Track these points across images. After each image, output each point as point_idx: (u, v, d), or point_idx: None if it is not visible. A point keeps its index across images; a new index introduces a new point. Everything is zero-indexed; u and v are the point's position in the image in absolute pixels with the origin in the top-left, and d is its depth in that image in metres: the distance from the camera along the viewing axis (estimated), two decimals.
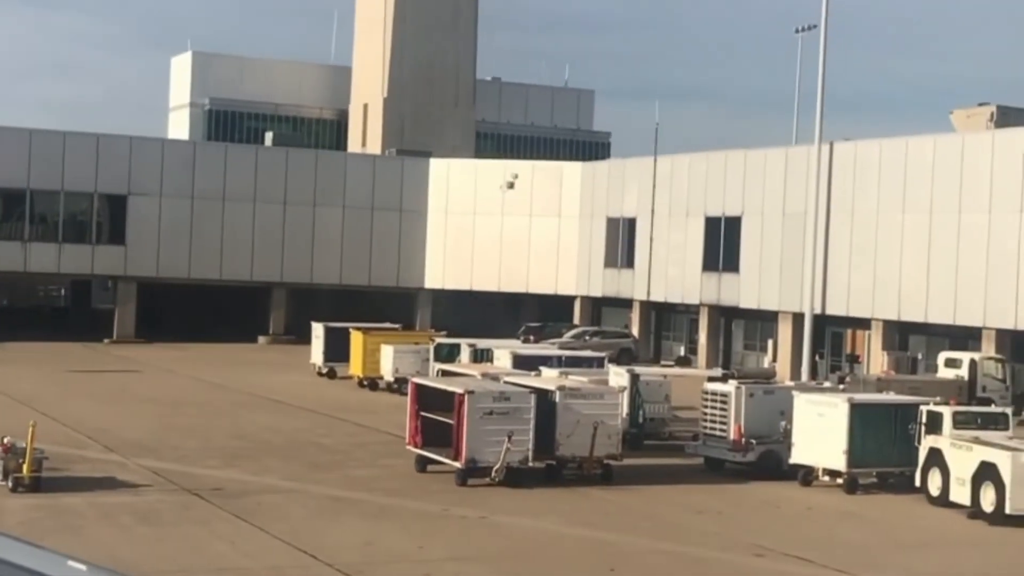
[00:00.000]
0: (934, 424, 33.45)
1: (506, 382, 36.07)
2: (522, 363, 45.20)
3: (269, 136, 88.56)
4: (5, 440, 30.30)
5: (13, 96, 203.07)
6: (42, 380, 54.32)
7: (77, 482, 31.14)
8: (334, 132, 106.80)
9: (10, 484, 29.65)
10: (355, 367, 56.74)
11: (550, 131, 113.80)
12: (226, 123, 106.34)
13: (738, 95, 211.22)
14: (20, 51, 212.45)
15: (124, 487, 31.09)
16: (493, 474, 32.60)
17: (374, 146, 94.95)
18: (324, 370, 59.91)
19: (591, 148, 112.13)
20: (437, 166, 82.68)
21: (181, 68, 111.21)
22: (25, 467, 29.81)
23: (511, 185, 79.47)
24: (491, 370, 41.22)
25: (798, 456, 34.96)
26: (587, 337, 69.84)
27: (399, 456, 35.90)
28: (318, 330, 60.82)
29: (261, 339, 77.93)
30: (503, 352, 48.51)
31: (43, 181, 74.42)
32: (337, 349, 58.45)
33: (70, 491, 30.13)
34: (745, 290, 67.42)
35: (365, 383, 55.89)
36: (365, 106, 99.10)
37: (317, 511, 29.32)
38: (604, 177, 78.57)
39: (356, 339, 56.90)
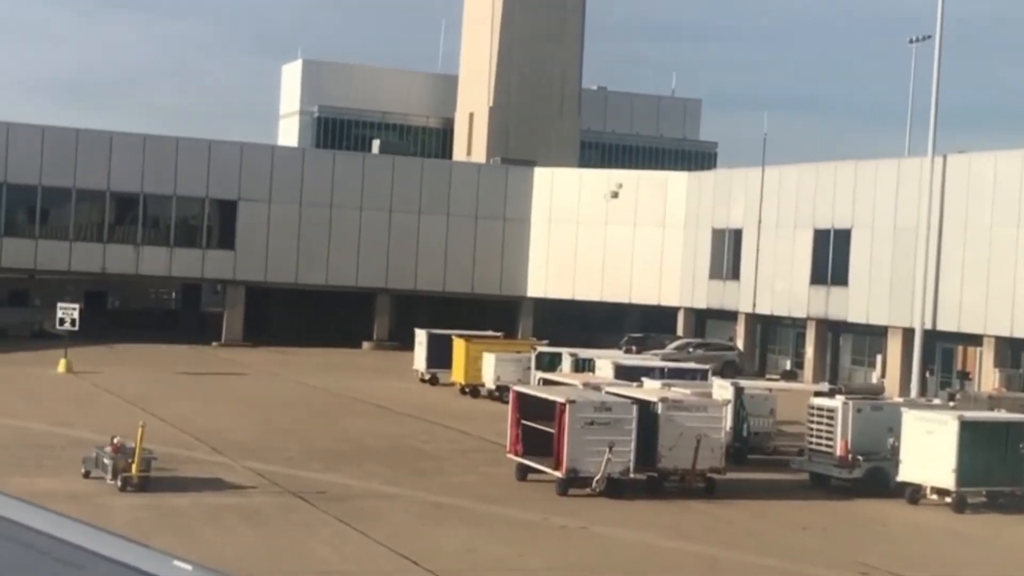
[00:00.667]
0: None
1: (608, 392, 35.93)
2: (624, 374, 45.02)
3: (376, 144, 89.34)
4: (115, 440, 30.82)
5: (128, 102, 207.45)
6: (152, 381, 55.25)
7: (184, 483, 31.58)
8: (440, 140, 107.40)
9: (119, 483, 30.14)
10: (457, 374, 56.97)
11: (655, 140, 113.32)
12: (334, 130, 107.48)
13: (848, 106, 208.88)
14: (135, 58, 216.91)
15: (230, 488, 31.46)
16: (594, 484, 32.47)
17: (479, 154, 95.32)
18: (427, 376, 60.21)
19: (697, 158, 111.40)
20: (541, 175, 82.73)
21: (291, 76, 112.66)
22: (134, 467, 30.30)
23: (615, 195, 79.24)
24: (592, 380, 41.10)
25: (906, 474, 34.35)
26: (691, 349, 69.37)
27: (500, 464, 35.91)
28: (421, 337, 61.15)
29: (365, 344, 78.58)
30: (605, 362, 48.36)
31: (156, 185, 75.81)
32: (440, 356, 58.71)
33: (177, 491, 30.56)
34: (854, 304, 66.47)
35: (467, 390, 56.07)
36: (471, 114, 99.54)
37: (419, 516, 29.42)
38: (710, 187, 78.00)
39: (459, 346, 57.13)
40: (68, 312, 57.56)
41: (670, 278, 78.52)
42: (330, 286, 79.13)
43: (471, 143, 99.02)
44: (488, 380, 54.48)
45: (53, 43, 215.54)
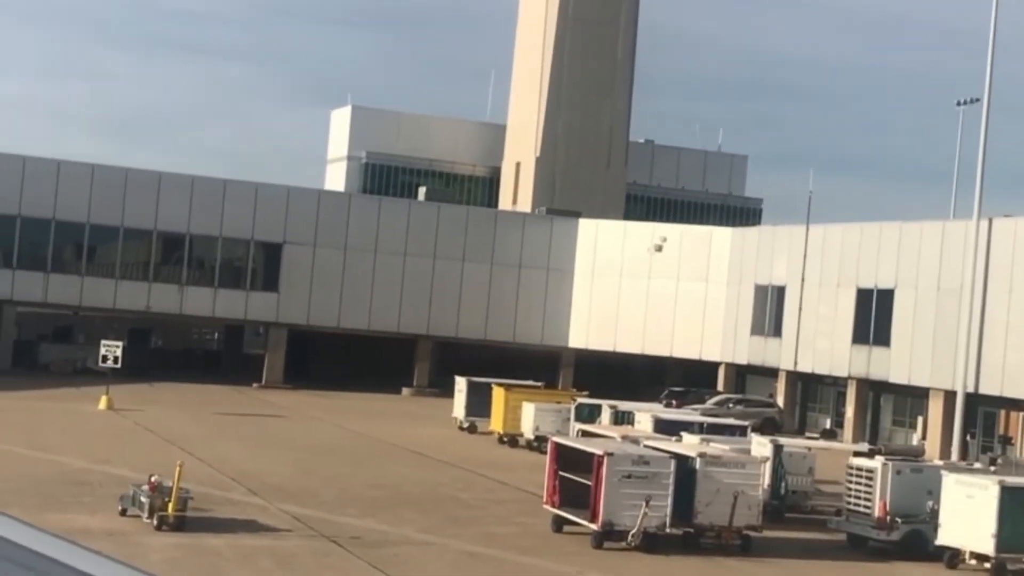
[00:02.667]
0: None
1: (646, 446, 35.81)
2: (663, 427, 44.88)
3: (422, 191, 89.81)
4: (152, 478, 30.95)
5: (178, 143, 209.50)
6: (191, 421, 55.50)
7: (220, 523, 31.65)
8: (486, 189, 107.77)
9: (155, 522, 30.26)
10: (496, 423, 56.89)
11: (701, 195, 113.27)
12: (381, 176, 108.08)
13: (894, 166, 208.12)
14: (186, 99, 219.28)
15: (265, 531, 31.51)
16: (630, 538, 32.31)
17: (525, 204, 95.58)
18: (465, 424, 60.18)
19: (742, 214, 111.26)
20: (586, 226, 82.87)
21: (340, 121, 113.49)
22: (170, 506, 30.40)
23: (659, 248, 79.22)
24: (631, 433, 40.98)
25: (945, 538, 33.95)
26: (730, 405, 69.04)
27: (536, 515, 35.79)
28: (461, 384, 61.17)
29: (405, 390, 78.67)
30: (644, 415, 48.21)
31: (203, 227, 76.47)
32: (479, 404, 58.71)
33: (213, 532, 30.64)
34: (896, 364, 66.01)
35: (505, 439, 55.97)
36: (518, 164, 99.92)
37: (453, 565, 29.35)
38: (754, 243, 77.85)
39: (498, 395, 57.08)
40: (111, 349, 58.03)
41: (712, 333, 78.27)
42: (372, 331, 79.38)
43: (517, 192, 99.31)
44: (527, 430, 54.37)
45: (106, 82, 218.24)
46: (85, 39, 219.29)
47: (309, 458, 46.30)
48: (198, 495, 32.52)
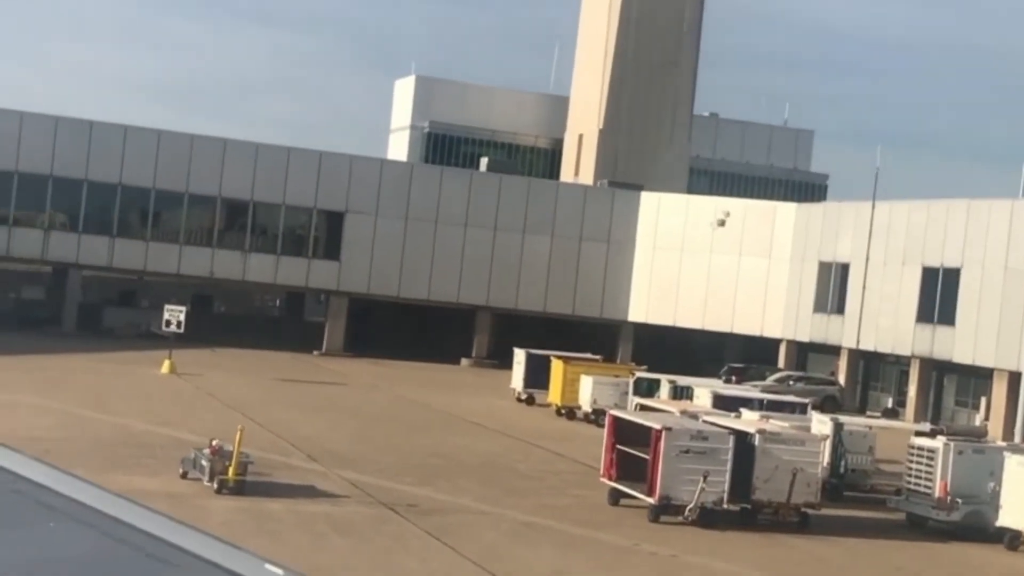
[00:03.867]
0: None
1: (705, 421, 35.71)
2: (722, 403, 44.72)
3: (484, 161, 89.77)
4: (213, 443, 31.27)
5: (243, 111, 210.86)
6: (252, 387, 55.99)
7: (279, 488, 31.93)
8: (548, 160, 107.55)
9: (216, 486, 30.58)
10: (554, 395, 56.93)
11: (765, 170, 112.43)
12: (444, 147, 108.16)
13: (963, 144, 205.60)
14: (253, 69, 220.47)
15: (323, 496, 31.76)
16: (687, 513, 32.27)
17: (586, 176, 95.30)
18: (523, 396, 60.26)
19: (807, 189, 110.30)
20: (648, 200, 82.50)
21: (404, 91, 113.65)
22: (231, 470, 30.72)
23: (722, 223, 78.72)
24: (690, 408, 40.87)
25: (1005, 519, 33.61)
26: (791, 382, 68.65)
27: (592, 487, 35.82)
28: (520, 356, 61.22)
29: (464, 361, 78.87)
30: (703, 391, 48.06)
31: (266, 194, 76.94)
32: (537, 376, 58.76)
33: (272, 496, 30.92)
34: (960, 344, 65.29)
35: (563, 412, 56.01)
36: (580, 136, 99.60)
37: (509, 535, 29.45)
38: (819, 220, 77.18)
39: (556, 367, 57.09)
40: (175, 314, 58.61)
41: (774, 309, 77.77)
42: (432, 301, 79.60)
43: (579, 165, 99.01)
44: (584, 403, 54.37)
45: (174, 51, 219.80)
46: (155, 7, 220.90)
47: (367, 426, 46.59)
48: (258, 460, 32.82)
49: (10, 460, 5.17)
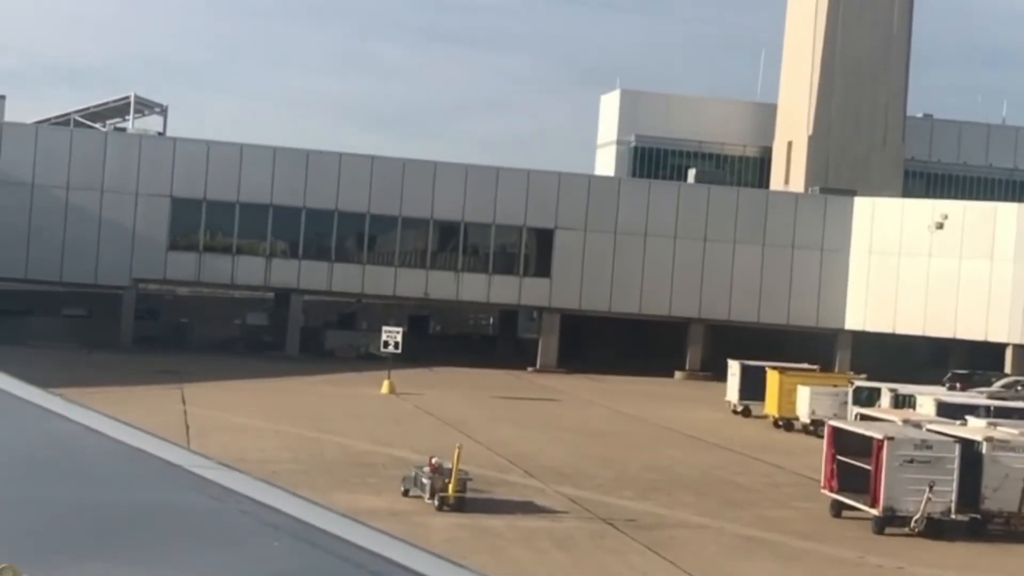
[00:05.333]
0: None
1: (929, 430, 34.73)
2: (947, 411, 43.49)
3: (692, 173, 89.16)
4: (433, 461, 31.74)
5: (452, 133, 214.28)
6: (469, 404, 56.69)
7: (498, 504, 32.22)
8: (757, 169, 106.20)
9: (436, 503, 31.04)
10: (771, 407, 56.13)
11: (984, 170, 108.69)
12: (651, 160, 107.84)
13: None
14: (459, 91, 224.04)
15: (542, 512, 31.92)
16: (912, 524, 31.40)
17: (797, 184, 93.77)
18: (739, 408, 59.60)
19: None
20: (862, 205, 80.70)
21: (610, 106, 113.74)
22: (451, 487, 31.13)
23: (940, 226, 76.46)
24: (913, 417, 39.82)
25: None
26: (1019, 388, 66.11)
27: (814, 499, 35.17)
28: (734, 368, 60.59)
29: (677, 374, 78.39)
30: (926, 399, 46.84)
31: (477, 214, 77.95)
32: (753, 387, 58.04)
33: (491, 512, 31.22)
34: None
35: (780, 423, 55.18)
36: (789, 143, 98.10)
37: (729, 549, 29.11)
38: None
39: (772, 378, 56.29)
40: (392, 335, 59.88)
41: (998, 313, 75.09)
42: (643, 315, 79.37)
43: (789, 172, 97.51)
44: (802, 414, 53.48)
45: (383, 77, 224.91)
46: (363, 35, 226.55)
47: (583, 441, 46.67)
48: (477, 477, 33.19)
49: (237, 481, 5.35)
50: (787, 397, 54.75)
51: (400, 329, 61.99)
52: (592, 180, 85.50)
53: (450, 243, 79.61)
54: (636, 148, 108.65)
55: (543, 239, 79.11)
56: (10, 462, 5.89)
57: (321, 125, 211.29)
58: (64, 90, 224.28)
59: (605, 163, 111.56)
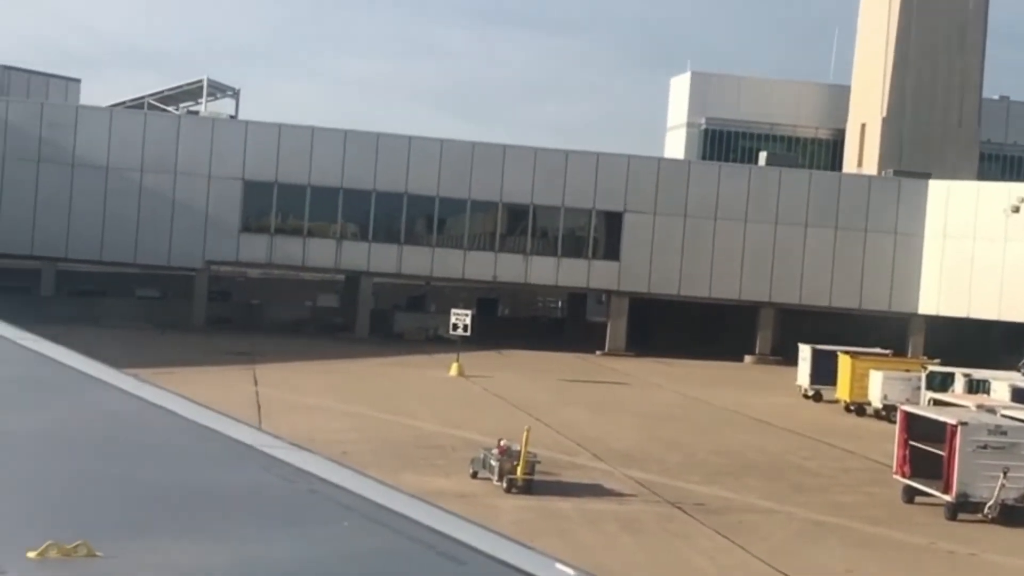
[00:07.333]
0: None
1: (1003, 415, 34.31)
2: (1022, 396, 42.94)
3: (763, 156, 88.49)
4: (501, 443, 31.84)
5: (521, 116, 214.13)
6: (537, 387, 56.74)
7: (566, 487, 32.25)
8: (829, 152, 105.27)
9: (504, 485, 31.13)
10: (842, 391, 55.71)
11: None
12: (721, 142, 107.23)
13: None
14: (529, 74, 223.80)
15: (610, 495, 31.91)
16: (986, 510, 31.05)
17: (870, 167, 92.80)
18: (810, 392, 59.19)
19: None
20: (936, 188, 79.68)
21: (680, 88, 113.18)
22: (519, 469, 31.21)
23: (1016, 209, 75.27)
24: (987, 402, 39.34)
25: None
26: None
27: (885, 484, 34.87)
28: (805, 352, 60.16)
29: (747, 358, 77.95)
30: (1001, 384, 46.31)
31: (545, 197, 77.86)
32: (824, 372, 57.63)
33: (560, 495, 31.26)
34: None
35: (852, 408, 54.76)
36: (863, 126, 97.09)
37: (798, 533, 28.95)
38: None
39: (844, 363, 55.85)
40: (461, 318, 60.07)
41: None
42: (713, 299, 78.98)
43: (862, 155, 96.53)
44: (874, 399, 53.06)
45: (452, 61, 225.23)
46: (432, 20, 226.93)
47: (652, 424, 46.58)
48: (545, 459, 33.24)
49: (307, 461, 5.38)
50: (859, 382, 54.35)
51: (469, 312, 62.15)
52: (662, 163, 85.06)
53: (519, 226, 79.60)
54: (706, 131, 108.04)
55: (612, 222, 78.90)
56: (84, 441, 5.97)
57: (389, 109, 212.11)
58: (137, 74, 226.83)
59: (675, 146, 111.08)
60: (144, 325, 71.38)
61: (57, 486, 4.95)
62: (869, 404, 53.63)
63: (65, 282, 77.13)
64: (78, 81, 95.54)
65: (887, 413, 49.09)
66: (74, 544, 3.83)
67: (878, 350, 60.16)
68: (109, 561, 3.83)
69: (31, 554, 3.79)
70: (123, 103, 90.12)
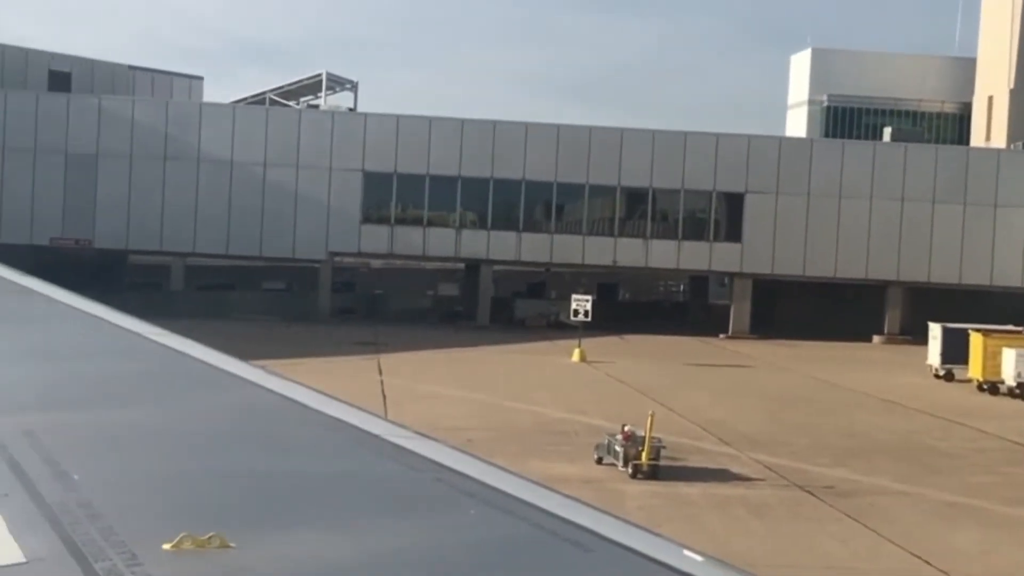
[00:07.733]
0: None
1: None
2: None
3: (887, 131, 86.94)
4: (625, 428, 31.77)
5: (638, 99, 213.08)
6: (660, 372, 56.50)
7: (692, 472, 32.08)
8: (956, 126, 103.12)
9: (630, 471, 31.05)
10: (974, 370, 54.61)
11: None
12: (844, 119, 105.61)
13: None
14: (644, 56, 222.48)
15: (737, 480, 31.66)
16: None
17: (999, 139, 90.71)
18: (941, 372, 58.11)
19: None
20: None
21: (800, 66, 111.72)
22: (644, 455, 31.11)
23: None
24: None
25: None
26: None
27: (1021, 464, 34.11)
28: (935, 331, 59.07)
29: (875, 338, 76.71)
30: None
31: (665, 180, 77.41)
32: (955, 351, 56.54)
33: (685, 480, 31.10)
34: None
35: (984, 387, 53.64)
36: (990, 98, 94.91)
37: (931, 515, 28.44)
38: None
39: (976, 341, 54.74)
40: (582, 304, 60.03)
41: None
42: (838, 278, 77.86)
43: (990, 128, 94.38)
44: (1008, 377, 51.95)
45: (567, 46, 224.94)
46: (546, 5, 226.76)
47: (778, 407, 46.10)
48: (670, 444, 33.09)
49: (433, 450, 5.41)
50: (992, 360, 53.28)
51: (590, 297, 62.08)
52: (783, 142, 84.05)
53: (638, 210, 79.23)
54: (828, 108, 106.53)
55: (733, 203, 78.15)
56: (215, 433, 6.08)
57: (504, 96, 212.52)
58: (256, 70, 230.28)
59: (796, 124, 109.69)
60: (271, 317, 72.56)
61: (190, 479, 5.05)
62: (1002, 382, 52.54)
63: (194, 277, 78.69)
64: (201, 79, 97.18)
65: (1021, 391, 48.07)
66: (208, 536, 3.90)
67: (1011, 327, 58.79)
68: (242, 552, 3.89)
69: (166, 546, 3.86)
70: (244, 99, 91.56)
